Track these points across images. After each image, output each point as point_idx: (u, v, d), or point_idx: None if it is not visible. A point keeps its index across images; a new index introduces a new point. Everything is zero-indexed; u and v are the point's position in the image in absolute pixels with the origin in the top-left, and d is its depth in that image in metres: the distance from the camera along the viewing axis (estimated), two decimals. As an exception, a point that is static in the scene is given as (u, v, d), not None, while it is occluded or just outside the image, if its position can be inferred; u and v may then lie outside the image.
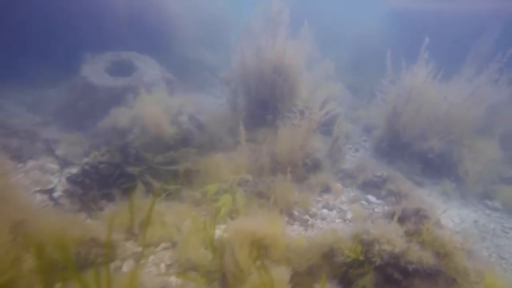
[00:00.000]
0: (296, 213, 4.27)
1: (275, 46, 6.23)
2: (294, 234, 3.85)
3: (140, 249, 3.22)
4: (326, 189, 5.01)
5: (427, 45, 5.50)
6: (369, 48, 13.69)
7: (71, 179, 3.95)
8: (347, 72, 12.47)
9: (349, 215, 4.34)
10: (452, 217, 4.63)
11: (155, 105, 5.70)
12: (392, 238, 2.76)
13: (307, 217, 4.26)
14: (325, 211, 4.45)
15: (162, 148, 5.24)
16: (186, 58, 11.72)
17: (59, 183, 4.44)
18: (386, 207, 4.68)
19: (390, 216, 3.15)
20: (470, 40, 9.72)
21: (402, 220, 3.06)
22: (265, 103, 6.58)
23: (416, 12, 13.57)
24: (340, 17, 17.40)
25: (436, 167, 5.73)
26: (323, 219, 4.28)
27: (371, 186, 5.09)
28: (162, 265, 3.07)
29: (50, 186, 4.28)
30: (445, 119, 5.87)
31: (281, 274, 2.63)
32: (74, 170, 4.53)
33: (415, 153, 5.92)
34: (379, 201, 4.82)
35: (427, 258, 2.55)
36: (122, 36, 9.07)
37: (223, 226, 3.80)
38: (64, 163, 5.03)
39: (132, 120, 5.49)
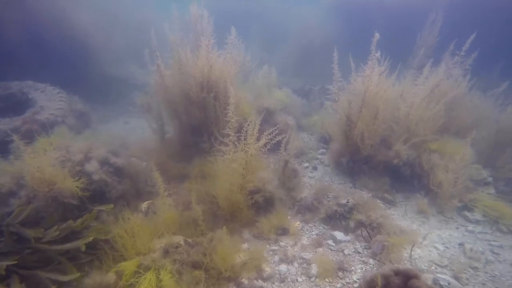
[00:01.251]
0: (245, 281, 3.33)
1: (198, 59, 5.27)
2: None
3: None
4: (283, 232, 4.14)
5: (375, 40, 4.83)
6: (314, 44, 13.28)
7: None
8: (295, 73, 11.93)
9: (314, 269, 3.48)
10: (434, 243, 3.99)
11: (51, 153, 4.47)
12: None
13: (260, 283, 3.34)
14: (283, 267, 3.56)
15: (62, 213, 4.04)
16: (109, 77, 10.39)
17: None
18: (363, 276, 3.91)
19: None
20: (415, 29, 9.56)
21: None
22: (198, 128, 5.61)
23: (358, 2, 13.39)
24: (282, 14, 16.93)
25: (406, 178, 5.15)
26: (282, 281, 3.40)
27: (336, 218, 4.31)
28: None
29: None
30: (406, 121, 5.30)
31: None
32: None
33: (380, 164, 5.29)
34: (348, 238, 4.05)
35: None
36: (18, 61, 7.57)
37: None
38: None
39: (16, 180, 4.20)
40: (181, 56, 5.37)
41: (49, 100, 6.01)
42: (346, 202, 4.39)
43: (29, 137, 5.23)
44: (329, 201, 4.74)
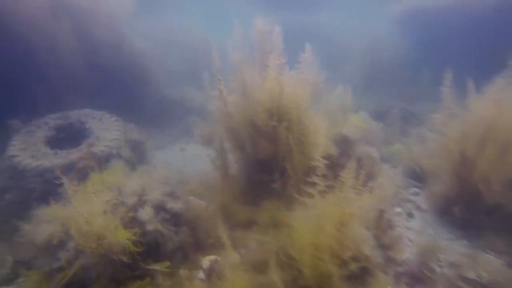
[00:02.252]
0: None
1: (266, 82, 4.51)
2: None
3: None
4: (389, 316, 3.04)
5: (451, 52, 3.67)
6: (382, 61, 12.02)
7: None
8: (362, 93, 10.76)
9: None
10: None
11: (102, 195, 3.94)
12: None
13: None
14: None
15: (112, 273, 3.40)
16: (165, 100, 10.16)
17: None
18: None
19: None
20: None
21: None
22: (267, 163, 4.78)
23: (435, 11, 11.92)
24: (343, 29, 15.87)
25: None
26: None
27: (463, 300, 3.12)
28: None
29: None
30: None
31: None
32: None
33: None
34: (488, 334, 2.83)
35: None
36: (77, 89, 7.51)
37: None
38: None
39: (65, 228, 3.67)
40: (245, 78, 4.66)
41: (105, 129, 5.64)
42: (477, 277, 3.18)
43: (83, 172, 4.83)
44: (441, 266, 3.58)
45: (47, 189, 4.78)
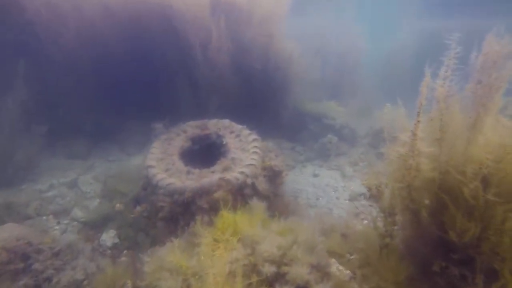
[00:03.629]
0: None
1: (482, 131, 3.03)
2: None
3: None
4: None
5: None
6: None
7: None
8: None
9: None
10: None
11: (235, 248, 3.17)
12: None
13: None
14: None
15: None
16: (302, 113, 9.21)
17: None
18: None
19: None
20: None
21: None
22: (458, 250, 3.23)
23: None
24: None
25: None
26: None
27: None
28: None
29: None
30: None
31: None
32: None
33: None
34: None
35: None
36: (219, 91, 7.22)
37: None
38: None
39: (187, 285, 3.01)
40: (452, 121, 3.22)
41: (242, 149, 4.97)
42: None
43: (214, 203, 4.22)
44: None
45: (173, 211, 4.36)
